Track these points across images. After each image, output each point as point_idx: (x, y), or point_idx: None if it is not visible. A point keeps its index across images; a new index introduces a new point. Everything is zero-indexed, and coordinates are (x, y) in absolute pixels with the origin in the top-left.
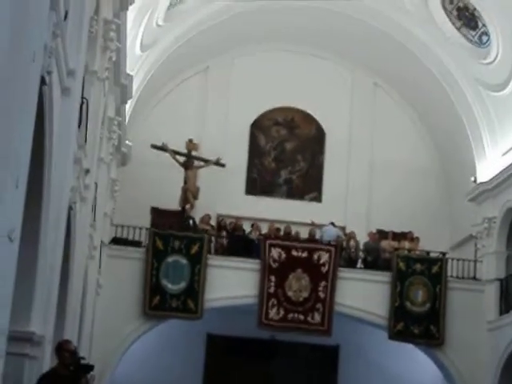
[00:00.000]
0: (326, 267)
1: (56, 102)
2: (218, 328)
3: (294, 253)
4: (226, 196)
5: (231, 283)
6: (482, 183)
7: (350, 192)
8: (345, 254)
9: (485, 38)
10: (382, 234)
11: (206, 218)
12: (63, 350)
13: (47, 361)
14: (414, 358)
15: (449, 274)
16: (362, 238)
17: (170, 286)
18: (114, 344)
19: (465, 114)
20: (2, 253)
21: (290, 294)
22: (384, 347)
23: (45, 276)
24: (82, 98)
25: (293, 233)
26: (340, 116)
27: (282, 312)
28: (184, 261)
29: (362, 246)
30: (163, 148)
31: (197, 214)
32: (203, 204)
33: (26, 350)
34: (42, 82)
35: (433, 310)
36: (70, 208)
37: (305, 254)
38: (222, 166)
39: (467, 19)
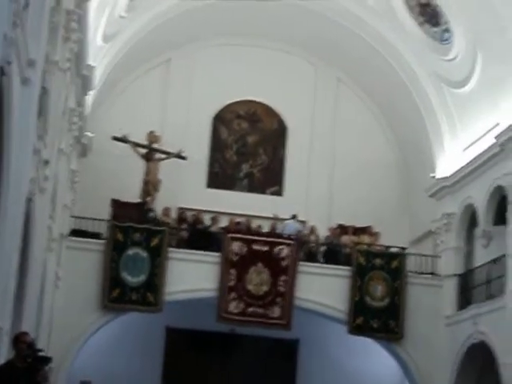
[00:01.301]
0: (287, 261)
1: (15, 93)
2: (177, 321)
3: (255, 246)
4: (187, 189)
5: (191, 276)
6: (441, 179)
7: (310, 186)
8: (305, 248)
9: (447, 35)
10: (342, 229)
11: (166, 211)
12: (20, 341)
13: (4, 352)
14: (373, 353)
15: (408, 269)
16: (323, 233)
17: (130, 279)
18: (73, 336)
19: (426, 110)
20: None
21: (250, 287)
22: (343, 341)
23: (2, 267)
24: (43, 88)
25: (254, 226)
26: (302, 110)
27: (241, 306)
28: (144, 253)
29: (322, 240)
30: (124, 140)
31: (158, 207)
32: (164, 196)
33: None
34: (1, 72)
35: (392, 304)
36: (29, 199)
37: (265, 248)
38: (184, 158)
39: (429, 16)
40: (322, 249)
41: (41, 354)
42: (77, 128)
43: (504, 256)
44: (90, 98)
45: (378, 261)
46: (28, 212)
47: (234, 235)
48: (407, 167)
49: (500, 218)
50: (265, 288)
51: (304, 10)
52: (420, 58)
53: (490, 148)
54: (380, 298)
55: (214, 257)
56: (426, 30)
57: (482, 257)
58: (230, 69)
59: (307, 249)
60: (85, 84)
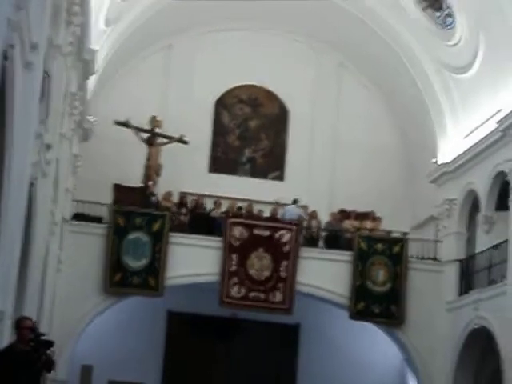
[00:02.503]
0: (288, 246)
1: (18, 76)
2: (178, 305)
3: (256, 231)
4: (189, 173)
5: (193, 261)
6: (443, 165)
7: (312, 171)
8: (306, 233)
9: (449, 20)
10: (344, 214)
11: (167, 195)
12: (21, 327)
13: (7, 336)
14: (374, 338)
15: (409, 254)
16: (324, 218)
17: (132, 263)
18: (75, 320)
19: (428, 95)
20: None
21: (251, 272)
22: (345, 326)
23: (5, 252)
24: (45, 72)
25: (255, 211)
26: (304, 95)
27: (243, 290)
28: (145, 238)
29: (323, 226)
30: (126, 124)
31: (159, 192)
32: (166, 181)
33: None
34: (4, 56)
35: (393, 289)
36: (31, 184)
37: (267, 233)
38: (186, 143)
39: (432, 0)
40: (324, 234)
41: (43, 337)
42: (78, 112)
43: (505, 241)
44: (91, 82)
45: (379, 246)
46: (30, 196)
47: (235, 220)
48: (409, 152)
49: (502, 204)
50: (266, 273)
51: None
52: (422, 43)
53: (492, 133)
54: (381, 283)
55: (215, 241)
56: (428, 15)
57: (483, 242)
58: (232, 54)
59: (308, 234)
60: (86, 68)
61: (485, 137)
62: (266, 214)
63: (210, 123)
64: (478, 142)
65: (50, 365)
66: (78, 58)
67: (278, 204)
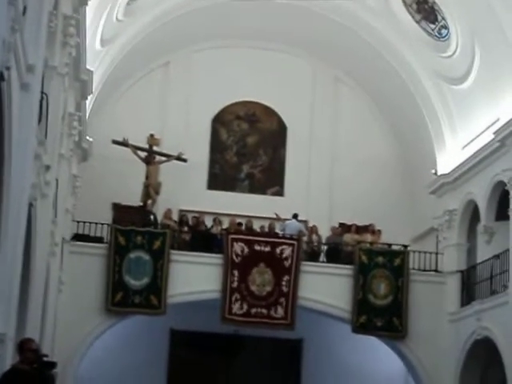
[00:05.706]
0: (289, 261)
1: (15, 98)
2: (181, 323)
3: (257, 247)
4: (188, 191)
5: (194, 278)
6: (442, 176)
7: (312, 186)
8: (307, 247)
9: (444, 32)
10: (344, 228)
11: (167, 213)
12: (25, 349)
13: (9, 358)
14: (377, 351)
15: (411, 266)
16: (325, 232)
17: (133, 282)
18: (77, 341)
19: (425, 107)
20: None
21: (253, 288)
22: (347, 340)
23: (6, 273)
24: (42, 93)
25: (255, 227)
26: (301, 110)
27: (245, 307)
28: (146, 256)
29: (324, 240)
30: (124, 143)
31: (159, 210)
32: (165, 199)
33: None
34: (1, 77)
35: (395, 302)
36: (31, 205)
37: (267, 249)
38: (184, 160)
39: (426, 13)
40: (324, 248)
41: (46, 359)
42: (77, 133)
43: (506, 251)
44: (89, 102)
45: (380, 259)
46: (30, 217)
47: (235, 236)
48: (408, 164)
49: (502, 214)
50: (268, 288)
51: (301, 10)
52: (418, 55)
53: (491, 143)
54: (383, 296)
55: (216, 258)
56: (423, 27)
57: (484, 253)
58: (229, 70)
59: (310, 248)
60: (83, 88)
61: (483, 147)
62: (267, 229)
63: (207, 140)
64: (476, 152)
65: None
66: (75, 78)
67: (277, 218)
